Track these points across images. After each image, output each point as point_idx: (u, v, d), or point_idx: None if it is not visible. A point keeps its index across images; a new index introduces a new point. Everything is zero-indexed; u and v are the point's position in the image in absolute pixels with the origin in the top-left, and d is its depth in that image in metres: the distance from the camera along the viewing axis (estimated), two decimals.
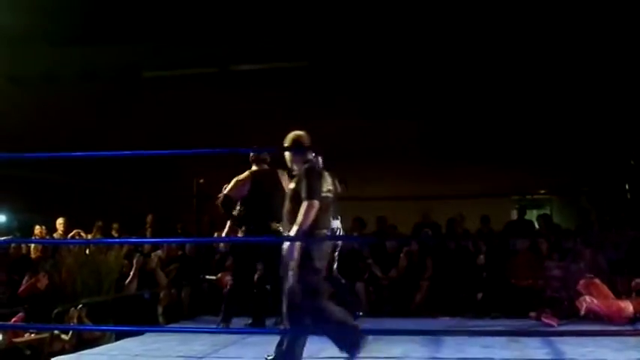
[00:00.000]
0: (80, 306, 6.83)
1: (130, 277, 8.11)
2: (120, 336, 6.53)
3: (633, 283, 7.18)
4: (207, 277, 8.66)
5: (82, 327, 6.59)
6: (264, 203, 6.47)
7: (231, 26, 10.58)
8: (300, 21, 10.34)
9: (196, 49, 11.05)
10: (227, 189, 6.75)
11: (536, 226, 10.12)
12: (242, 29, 10.62)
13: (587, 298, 6.87)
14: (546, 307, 7.10)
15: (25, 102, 10.64)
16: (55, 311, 6.66)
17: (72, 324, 6.62)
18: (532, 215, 11.34)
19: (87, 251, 8.03)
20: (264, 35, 10.70)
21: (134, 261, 8.27)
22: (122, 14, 10.20)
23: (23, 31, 9.84)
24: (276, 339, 4.69)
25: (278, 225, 6.03)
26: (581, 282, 7.05)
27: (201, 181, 9.20)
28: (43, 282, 7.39)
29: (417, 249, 8.61)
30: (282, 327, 5.89)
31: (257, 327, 6.63)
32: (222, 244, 8.41)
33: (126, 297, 7.86)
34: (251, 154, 6.86)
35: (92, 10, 9.97)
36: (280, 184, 6.42)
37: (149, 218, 10.33)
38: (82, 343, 6.43)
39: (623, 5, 9.33)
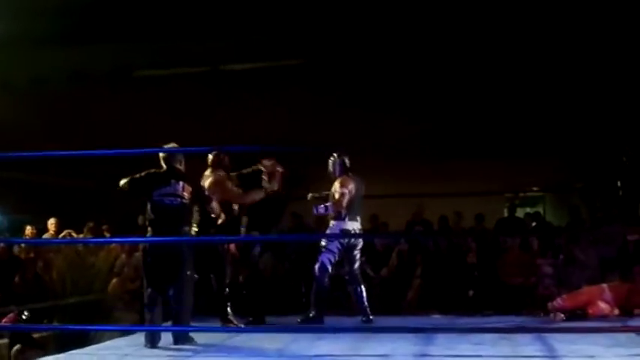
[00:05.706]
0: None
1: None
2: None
3: None
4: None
5: (69, 327, 6.55)
6: None
7: (222, 24, 10.52)
8: (295, 17, 10.29)
9: (187, 48, 11.00)
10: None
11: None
12: (234, 27, 10.57)
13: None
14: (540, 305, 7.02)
15: (15, 103, 10.58)
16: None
17: None
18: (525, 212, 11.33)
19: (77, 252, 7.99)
20: (257, 33, 10.64)
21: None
22: (111, 14, 10.15)
23: (11, 33, 9.78)
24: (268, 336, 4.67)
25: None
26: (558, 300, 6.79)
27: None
28: None
29: (408, 247, 8.59)
30: None
31: (256, 325, 6.65)
32: None
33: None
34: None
35: (81, 10, 9.91)
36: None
37: (140, 219, 10.25)
38: None
39: (618, 6, 9.34)
